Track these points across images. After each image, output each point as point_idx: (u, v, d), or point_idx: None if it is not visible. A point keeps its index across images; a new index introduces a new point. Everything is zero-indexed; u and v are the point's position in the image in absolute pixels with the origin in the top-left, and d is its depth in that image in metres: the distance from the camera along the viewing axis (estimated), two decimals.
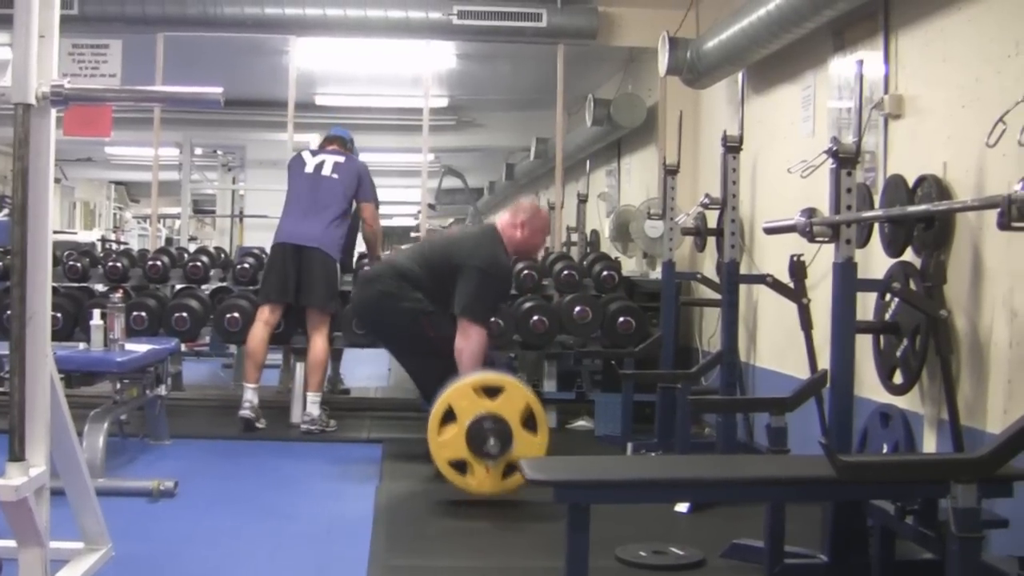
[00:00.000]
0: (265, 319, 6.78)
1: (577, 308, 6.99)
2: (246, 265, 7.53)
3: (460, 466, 4.87)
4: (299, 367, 7.11)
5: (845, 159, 3.70)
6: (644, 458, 5.52)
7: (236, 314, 6.94)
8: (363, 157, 7.45)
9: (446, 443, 4.86)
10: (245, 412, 6.58)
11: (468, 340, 5.32)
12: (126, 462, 5.77)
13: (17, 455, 2.82)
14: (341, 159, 7.01)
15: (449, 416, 4.88)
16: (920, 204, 4.10)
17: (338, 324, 6.97)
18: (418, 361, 5.68)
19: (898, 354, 4.21)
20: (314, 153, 7.11)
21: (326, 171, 6.92)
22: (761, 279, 5.38)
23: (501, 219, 5.76)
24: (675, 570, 4.00)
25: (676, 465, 3.93)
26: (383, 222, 8.05)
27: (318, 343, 6.75)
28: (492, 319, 5.86)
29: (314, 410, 6.69)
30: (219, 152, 14.21)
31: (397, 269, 5.66)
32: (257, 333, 6.74)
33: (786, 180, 5.16)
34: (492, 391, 4.90)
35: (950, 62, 4.23)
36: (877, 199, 4.55)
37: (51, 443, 2.99)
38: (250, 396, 6.62)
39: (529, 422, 4.89)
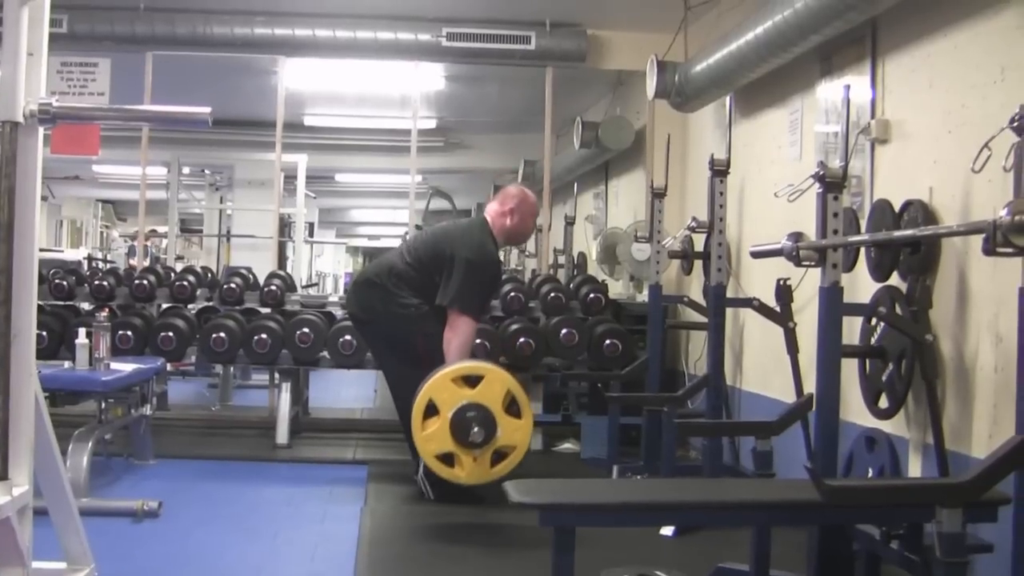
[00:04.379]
0: None
1: (564, 330, 6.99)
2: (233, 285, 7.52)
3: (447, 458, 4.83)
4: (284, 387, 7.09)
5: (832, 183, 3.72)
6: (630, 481, 5.51)
7: (222, 334, 6.92)
8: (351, 178, 7.43)
9: (431, 436, 4.80)
10: None
11: (456, 331, 5.26)
12: (110, 482, 5.75)
13: (0, 474, 2.80)
14: None
15: (431, 410, 4.82)
16: (906, 229, 4.11)
17: (323, 343, 6.95)
18: (400, 370, 5.59)
19: (884, 378, 4.22)
20: None
21: None
22: (747, 303, 5.40)
23: (490, 208, 5.69)
24: None
25: (662, 489, 3.93)
26: (369, 244, 8.03)
27: None
28: (482, 312, 5.78)
29: None
30: (207, 171, 14.20)
31: (391, 268, 5.59)
32: None
33: (773, 204, 5.18)
34: (471, 380, 4.86)
35: (936, 88, 4.26)
36: (863, 223, 4.56)
37: (35, 462, 2.97)
38: None
39: (512, 407, 4.85)
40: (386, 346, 5.71)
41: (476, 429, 4.72)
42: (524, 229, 5.81)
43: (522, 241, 6.20)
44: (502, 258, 7.26)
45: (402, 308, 5.44)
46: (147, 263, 10.00)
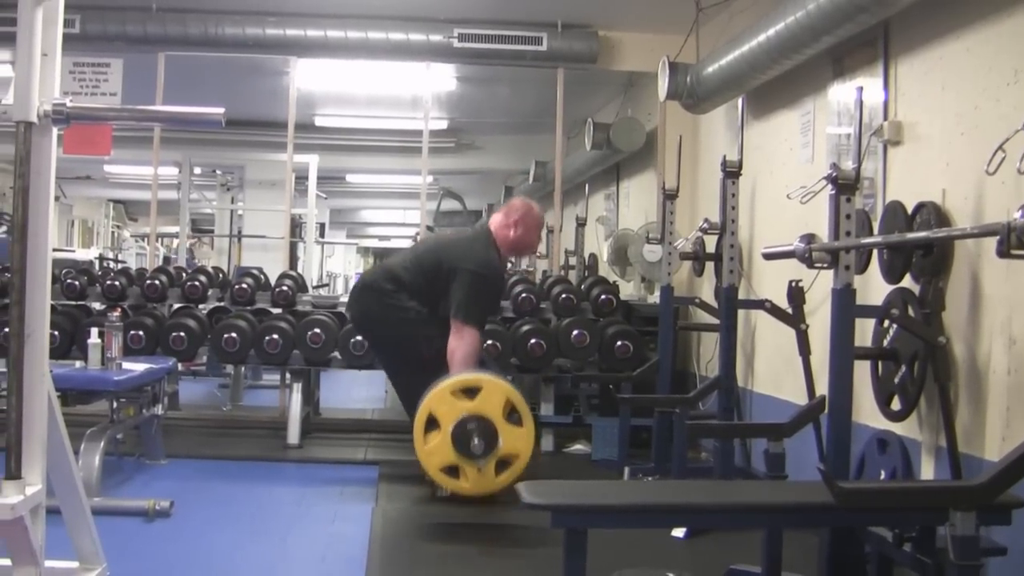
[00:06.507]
0: None
1: (575, 332, 6.99)
2: (244, 285, 7.53)
3: (452, 471, 4.84)
4: (296, 387, 7.10)
5: (844, 185, 3.71)
6: (641, 483, 5.51)
7: (233, 334, 6.93)
8: (362, 178, 7.43)
9: (434, 450, 4.82)
10: None
11: (461, 341, 5.25)
12: (122, 481, 5.76)
13: (13, 473, 2.80)
14: None
15: (432, 423, 4.83)
16: (919, 231, 4.11)
17: (334, 344, 6.96)
18: (407, 375, 5.61)
19: (896, 380, 4.21)
20: None
21: None
22: (759, 304, 5.39)
23: (494, 220, 5.71)
24: None
25: (673, 490, 3.92)
26: (380, 244, 8.04)
27: None
28: (486, 323, 5.81)
29: None
30: (218, 172, 14.21)
31: (391, 274, 5.62)
32: None
33: (785, 206, 5.17)
34: (470, 391, 4.87)
35: (949, 90, 4.24)
36: (876, 225, 4.55)
37: (47, 461, 2.98)
38: None
39: (512, 415, 4.85)
40: (389, 351, 5.73)
41: (477, 441, 4.74)
42: (528, 241, 5.81)
43: (526, 253, 6.22)
44: (512, 261, 7.27)
45: (402, 312, 5.46)
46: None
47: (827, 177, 3.75)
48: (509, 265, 11.52)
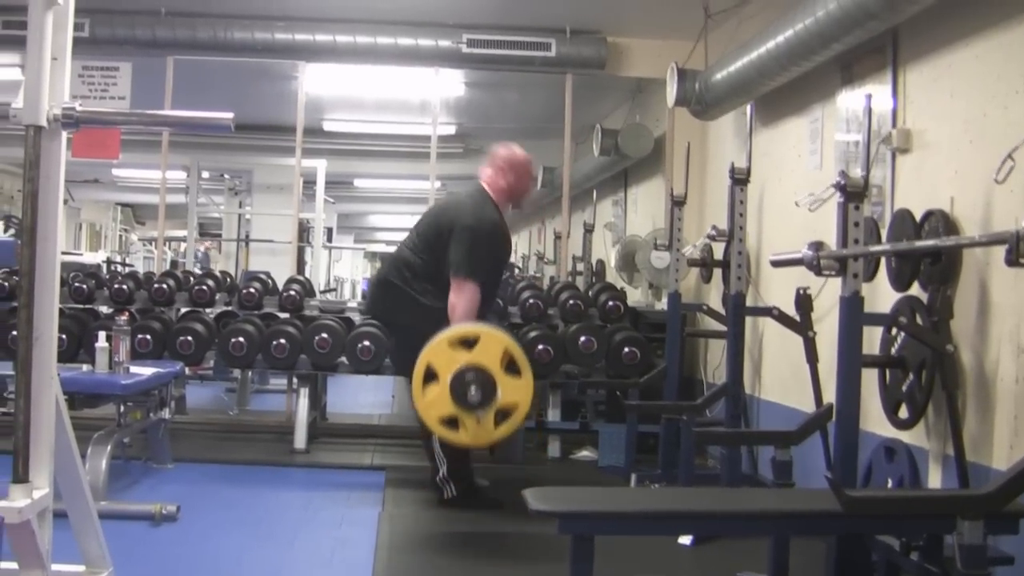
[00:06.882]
0: None
1: (582, 338, 6.98)
2: (252, 290, 7.53)
3: (451, 422, 4.73)
4: (302, 392, 7.10)
5: (853, 193, 3.71)
6: (648, 490, 5.50)
7: (241, 338, 6.94)
8: (370, 183, 7.41)
9: (432, 402, 4.70)
10: None
11: (461, 295, 5.21)
12: (128, 485, 5.76)
13: (21, 477, 2.81)
14: None
15: (430, 375, 4.73)
16: (927, 239, 4.10)
17: (341, 348, 6.95)
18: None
19: (904, 388, 4.20)
20: None
21: None
22: (767, 311, 5.38)
23: (484, 174, 5.62)
24: None
25: (680, 497, 3.92)
26: (387, 249, 7.99)
27: None
28: (491, 280, 5.65)
29: None
30: (226, 176, 14.21)
31: (401, 261, 5.57)
32: None
33: (793, 213, 5.16)
34: (468, 342, 4.77)
35: (957, 97, 4.24)
36: (884, 233, 4.55)
37: (54, 465, 2.98)
38: None
39: (511, 366, 4.75)
40: (413, 344, 5.68)
41: (474, 391, 4.63)
42: (522, 186, 5.68)
43: (524, 197, 6.03)
44: (513, 231, 7.16)
45: (415, 306, 5.40)
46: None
47: (835, 184, 3.75)
48: (516, 271, 11.60)
